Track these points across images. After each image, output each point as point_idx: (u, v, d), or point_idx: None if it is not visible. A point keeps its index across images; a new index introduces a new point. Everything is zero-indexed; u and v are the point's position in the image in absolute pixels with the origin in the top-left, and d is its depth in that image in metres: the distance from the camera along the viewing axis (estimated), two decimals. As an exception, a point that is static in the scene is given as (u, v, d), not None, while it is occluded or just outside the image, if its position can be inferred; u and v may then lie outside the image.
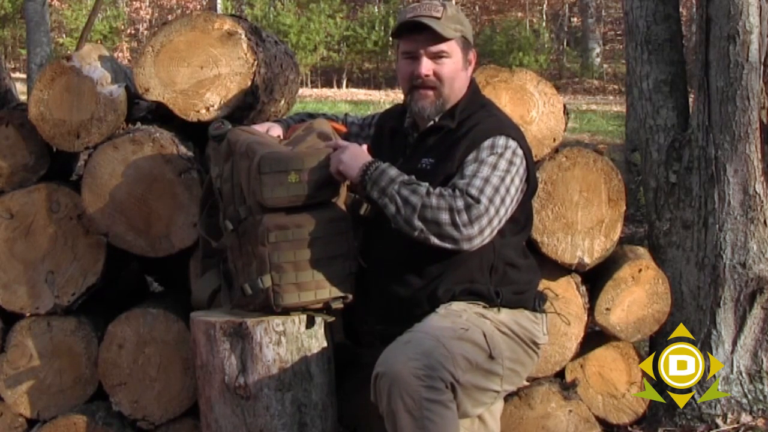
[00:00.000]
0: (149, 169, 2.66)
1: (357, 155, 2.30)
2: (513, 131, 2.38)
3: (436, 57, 2.37)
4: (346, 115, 2.77)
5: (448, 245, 2.22)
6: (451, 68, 2.39)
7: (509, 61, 17.21)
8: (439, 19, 2.35)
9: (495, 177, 2.26)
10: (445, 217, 2.19)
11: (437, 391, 2.05)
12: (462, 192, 2.22)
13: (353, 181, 2.31)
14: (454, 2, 20.60)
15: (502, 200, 2.26)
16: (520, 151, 2.34)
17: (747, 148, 3.02)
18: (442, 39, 2.35)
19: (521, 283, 2.41)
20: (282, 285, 2.30)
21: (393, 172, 2.26)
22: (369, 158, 2.30)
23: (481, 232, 2.22)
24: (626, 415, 2.98)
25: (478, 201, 2.21)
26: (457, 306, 2.30)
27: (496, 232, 2.27)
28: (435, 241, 2.21)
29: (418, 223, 2.20)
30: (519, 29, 19.94)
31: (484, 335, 2.23)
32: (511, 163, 2.30)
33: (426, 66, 2.37)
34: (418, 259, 2.33)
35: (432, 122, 2.42)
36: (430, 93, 2.39)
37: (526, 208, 2.47)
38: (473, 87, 2.49)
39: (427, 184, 2.24)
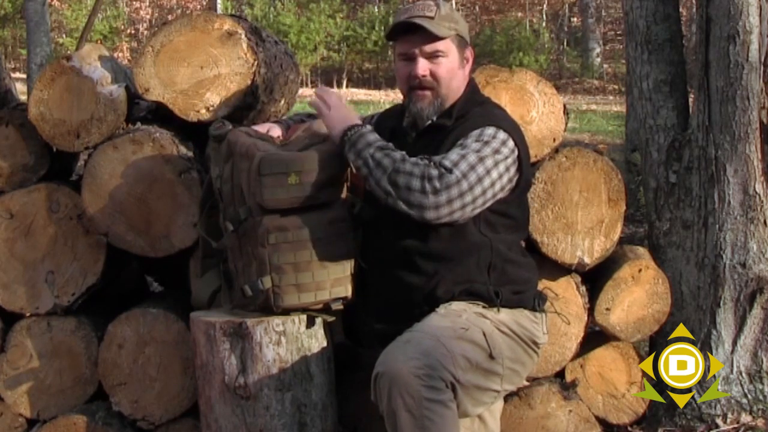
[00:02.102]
0: (149, 169, 2.66)
1: (343, 116, 2.35)
2: (506, 124, 2.37)
3: (432, 57, 2.37)
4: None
5: (413, 213, 2.21)
6: (448, 67, 2.38)
7: (509, 61, 17.22)
8: (432, 18, 2.35)
9: (473, 156, 2.24)
10: (416, 183, 2.19)
11: (437, 391, 2.05)
12: (436, 164, 2.22)
13: (332, 138, 2.35)
14: (453, 2, 20.62)
15: (479, 180, 2.23)
16: (510, 143, 2.32)
17: (747, 148, 3.02)
18: (437, 38, 2.35)
19: (520, 281, 2.41)
20: (282, 286, 2.30)
21: (372, 137, 2.29)
22: (354, 120, 2.34)
23: (449, 203, 2.20)
24: (626, 415, 2.98)
25: (450, 171, 2.21)
26: (456, 306, 2.30)
27: (468, 212, 2.24)
28: (402, 207, 2.21)
29: (387, 187, 2.21)
30: (519, 29, 19.95)
31: (484, 335, 2.23)
32: (496, 151, 2.28)
33: (422, 66, 2.37)
34: (417, 259, 2.33)
35: (430, 121, 2.42)
36: (428, 93, 2.39)
37: (522, 206, 2.47)
38: (472, 86, 2.49)
39: (403, 152, 2.26)
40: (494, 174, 2.27)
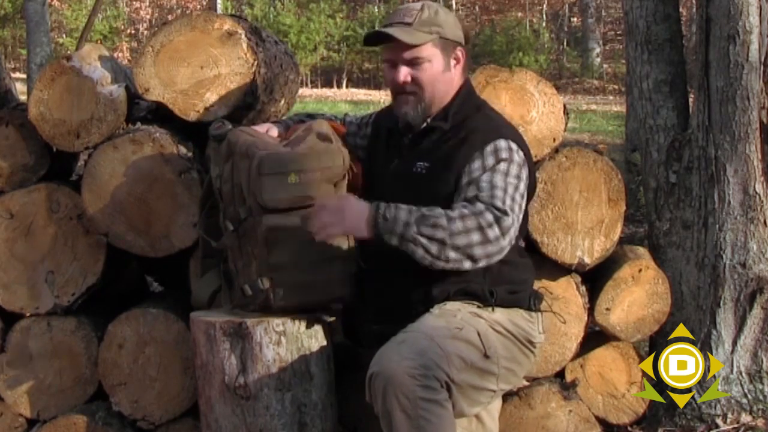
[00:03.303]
0: (149, 169, 2.66)
1: (354, 211, 2.19)
2: (510, 132, 2.38)
3: (413, 63, 2.36)
4: (345, 115, 2.78)
5: (482, 264, 2.20)
6: (430, 72, 2.36)
7: (509, 61, 17.21)
8: (410, 24, 2.34)
9: (510, 186, 2.26)
10: (476, 237, 2.16)
11: (432, 391, 2.05)
12: (488, 206, 2.20)
13: (366, 239, 2.21)
14: (453, 2, 20.62)
15: (520, 207, 2.28)
16: (521, 152, 2.34)
17: (747, 148, 3.02)
18: (413, 46, 2.34)
19: (516, 281, 2.40)
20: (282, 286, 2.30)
21: (402, 214, 2.17)
22: (367, 209, 2.18)
23: (510, 241, 2.24)
24: (626, 415, 2.98)
25: (506, 213, 2.21)
26: (451, 306, 2.30)
27: None
28: (467, 265, 2.19)
29: (452, 255, 2.16)
30: (519, 29, 19.96)
31: (479, 334, 2.23)
32: (519, 166, 2.31)
33: (403, 73, 2.36)
34: (413, 259, 2.32)
35: (425, 124, 2.42)
36: (411, 98, 2.38)
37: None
38: (467, 87, 2.48)
39: (441, 211, 2.18)
40: (524, 192, 2.31)
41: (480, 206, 2.20)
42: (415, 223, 2.16)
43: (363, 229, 2.19)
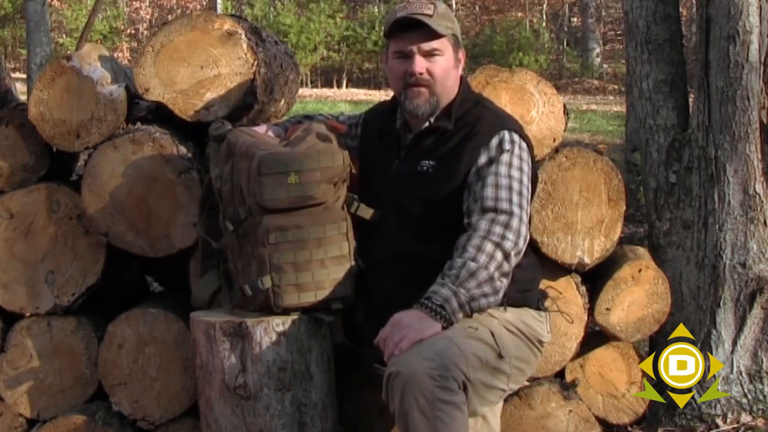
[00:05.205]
0: (149, 169, 2.66)
1: (415, 321, 2.15)
2: (513, 123, 2.42)
3: (429, 55, 2.37)
4: (341, 114, 2.78)
5: (516, 261, 2.27)
6: (444, 66, 2.39)
7: (509, 61, 17.21)
8: (431, 16, 2.35)
9: (515, 181, 2.30)
10: (499, 256, 2.22)
11: (451, 392, 2.05)
12: (495, 212, 2.25)
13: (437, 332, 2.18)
14: (453, 2, 20.62)
15: (527, 199, 2.33)
16: (524, 144, 2.39)
17: (747, 148, 3.02)
18: (436, 36, 2.35)
19: (525, 281, 2.41)
20: (282, 286, 2.30)
21: (443, 291, 2.17)
22: (422, 314, 2.16)
23: (524, 237, 2.28)
24: (626, 415, 2.98)
25: (511, 213, 2.26)
26: None
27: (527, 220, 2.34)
28: (508, 276, 2.26)
29: (498, 284, 2.23)
30: (519, 29, 19.96)
31: (492, 334, 2.23)
32: (521, 158, 2.35)
33: (420, 64, 2.37)
34: (418, 261, 2.32)
35: (428, 123, 2.42)
36: (424, 91, 2.39)
37: None
38: (465, 85, 2.50)
39: (461, 260, 2.19)
40: (528, 183, 2.36)
41: (483, 225, 2.24)
42: (462, 291, 2.18)
43: (432, 327, 2.15)
